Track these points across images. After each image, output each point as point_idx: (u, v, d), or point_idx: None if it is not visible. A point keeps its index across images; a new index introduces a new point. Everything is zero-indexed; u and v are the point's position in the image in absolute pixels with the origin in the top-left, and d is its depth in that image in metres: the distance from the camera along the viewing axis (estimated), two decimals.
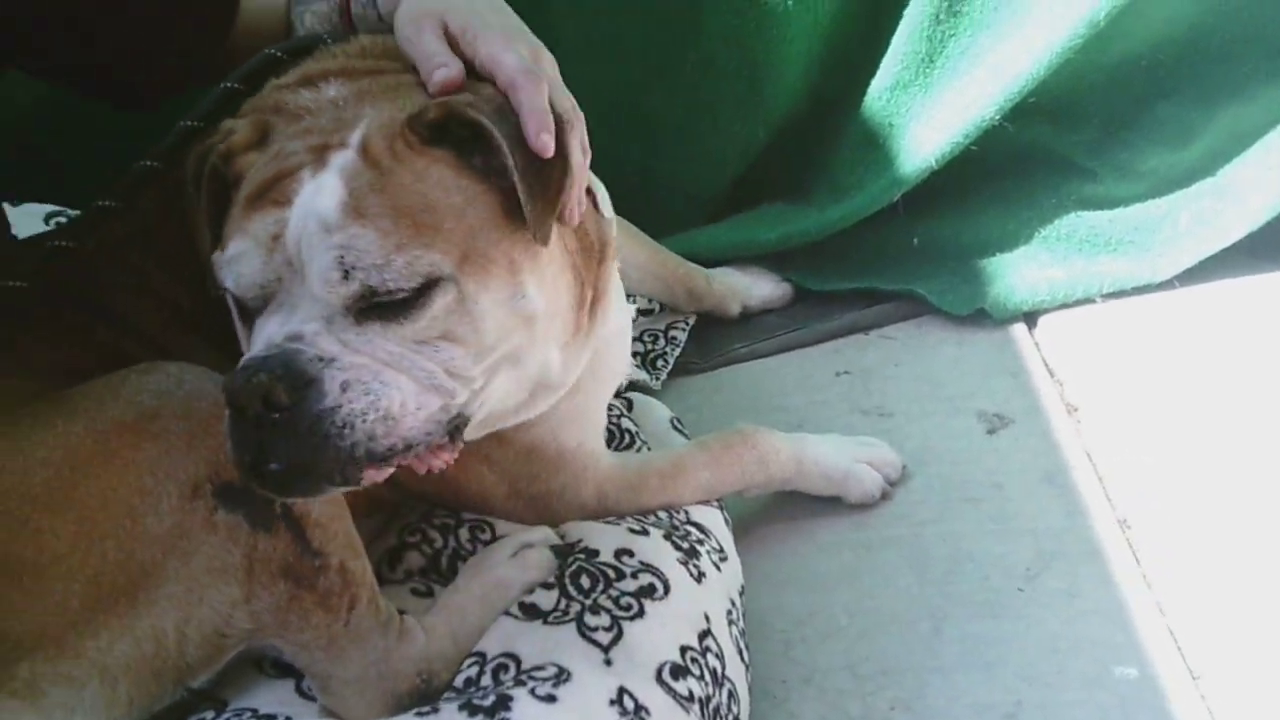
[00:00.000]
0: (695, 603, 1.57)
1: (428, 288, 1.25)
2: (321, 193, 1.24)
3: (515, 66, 1.34)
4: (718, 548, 1.73)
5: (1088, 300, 2.34)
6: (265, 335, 1.24)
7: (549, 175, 1.32)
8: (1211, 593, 1.77)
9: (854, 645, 1.75)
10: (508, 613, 1.49)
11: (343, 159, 1.27)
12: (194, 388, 1.27)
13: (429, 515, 1.69)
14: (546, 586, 1.54)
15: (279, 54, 1.54)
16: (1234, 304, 2.34)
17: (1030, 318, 2.35)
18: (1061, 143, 2.48)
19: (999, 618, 1.75)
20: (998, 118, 2.31)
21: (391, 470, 1.27)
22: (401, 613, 1.43)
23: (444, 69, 1.36)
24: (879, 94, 2.41)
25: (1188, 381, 2.17)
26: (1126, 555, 1.83)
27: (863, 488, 1.94)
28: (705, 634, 1.54)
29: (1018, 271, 2.37)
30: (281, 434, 1.18)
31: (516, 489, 1.68)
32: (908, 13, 2.35)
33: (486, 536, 1.67)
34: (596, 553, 1.60)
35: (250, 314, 1.29)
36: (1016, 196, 2.47)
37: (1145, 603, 1.75)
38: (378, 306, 1.24)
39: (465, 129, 1.30)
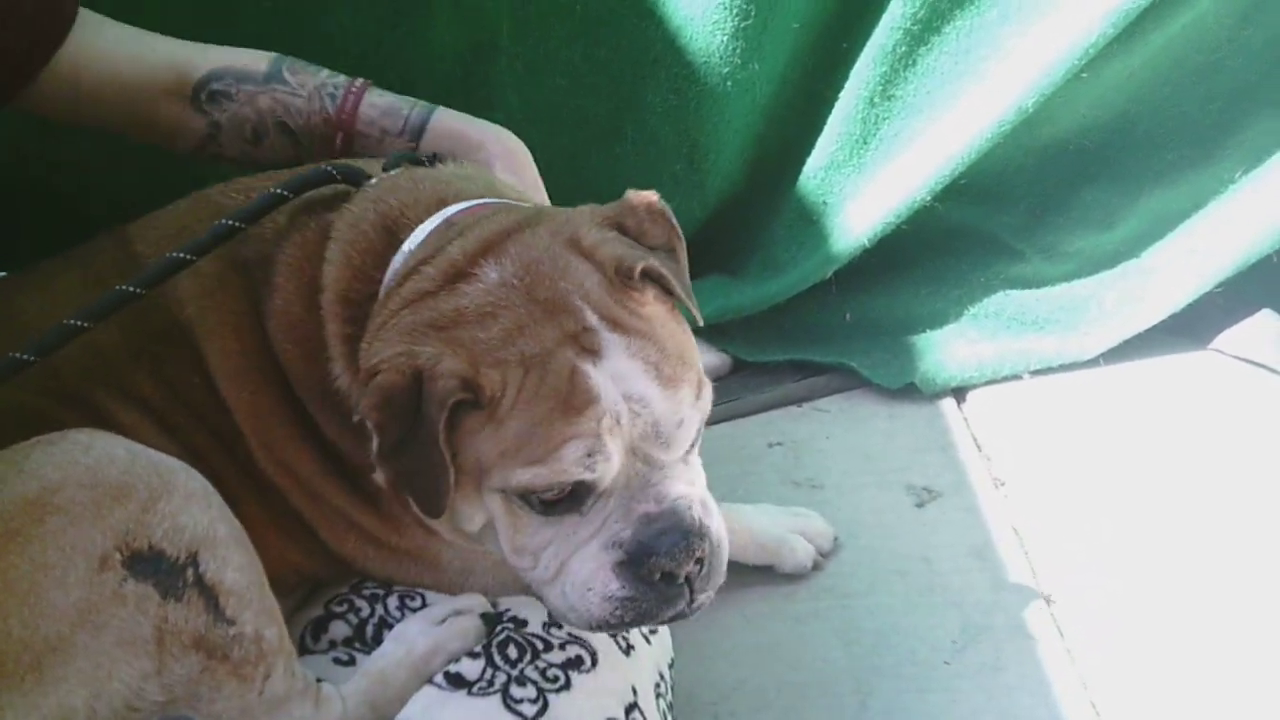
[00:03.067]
0: (623, 675, 1.56)
1: None
2: (631, 379, 1.33)
3: None
4: None
5: (1015, 377, 2.39)
6: (636, 500, 1.36)
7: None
8: (1133, 667, 1.79)
9: (782, 718, 1.75)
10: (431, 681, 1.47)
11: (608, 341, 1.33)
12: (102, 454, 1.24)
13: (359, 585, 1.66)
14: (472, 655, 1.52)
15: (332, 171, 1.54)
16: (1157, 382, 2.40)
17: (960, 393, 2.39)
18: (991, 223, 2.54)
19: (924, 691, 1.77)
20: (929, 198, 2.36)
21: None
22: (320, 681, 1.41)
23: None
24: (814, 173, 2.47)
25: (1112, 457, 2.21)
26: (1051, 629, 1.85)
27: (795, 558, 1.95)
28: (632, 707, 1.52)
29: (947, 347, 2.41)
30: (703, 575, 1.38)
31: (471, 561, 1.65)
32: (843, 95, 2.41)
33: (416, 604, 1.64)
34: (525, 622, 1.59)
35: (548, 503, 1.35)
36: (947, 275, 2.52)
37: (1068, 677, 1.77)
38: None
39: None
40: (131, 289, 1.43)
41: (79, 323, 1.39)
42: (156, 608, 1.23)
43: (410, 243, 1.46)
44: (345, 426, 1.49)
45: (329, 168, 1.55)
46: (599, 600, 1.37)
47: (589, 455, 1.30)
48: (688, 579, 1.36)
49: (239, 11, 2.24)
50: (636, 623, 1.39)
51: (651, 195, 1.48)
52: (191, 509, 1.27)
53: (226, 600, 1.27)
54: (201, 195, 1.64)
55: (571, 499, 1.35)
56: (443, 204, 1.50)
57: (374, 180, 1.56)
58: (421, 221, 1.48)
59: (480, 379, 1.29)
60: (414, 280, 1.40)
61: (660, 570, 1.34)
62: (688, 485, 1.39)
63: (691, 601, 1.38)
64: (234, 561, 1.28)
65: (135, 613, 1.22)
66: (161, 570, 1.23)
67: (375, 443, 1.31)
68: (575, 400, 1.30)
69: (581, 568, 1.38)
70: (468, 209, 1.49)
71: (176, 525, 1.24)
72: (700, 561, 1.36)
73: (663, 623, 1.43)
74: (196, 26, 2.22)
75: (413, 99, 1.83)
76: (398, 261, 1.45)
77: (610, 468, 1.32)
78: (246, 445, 1.52)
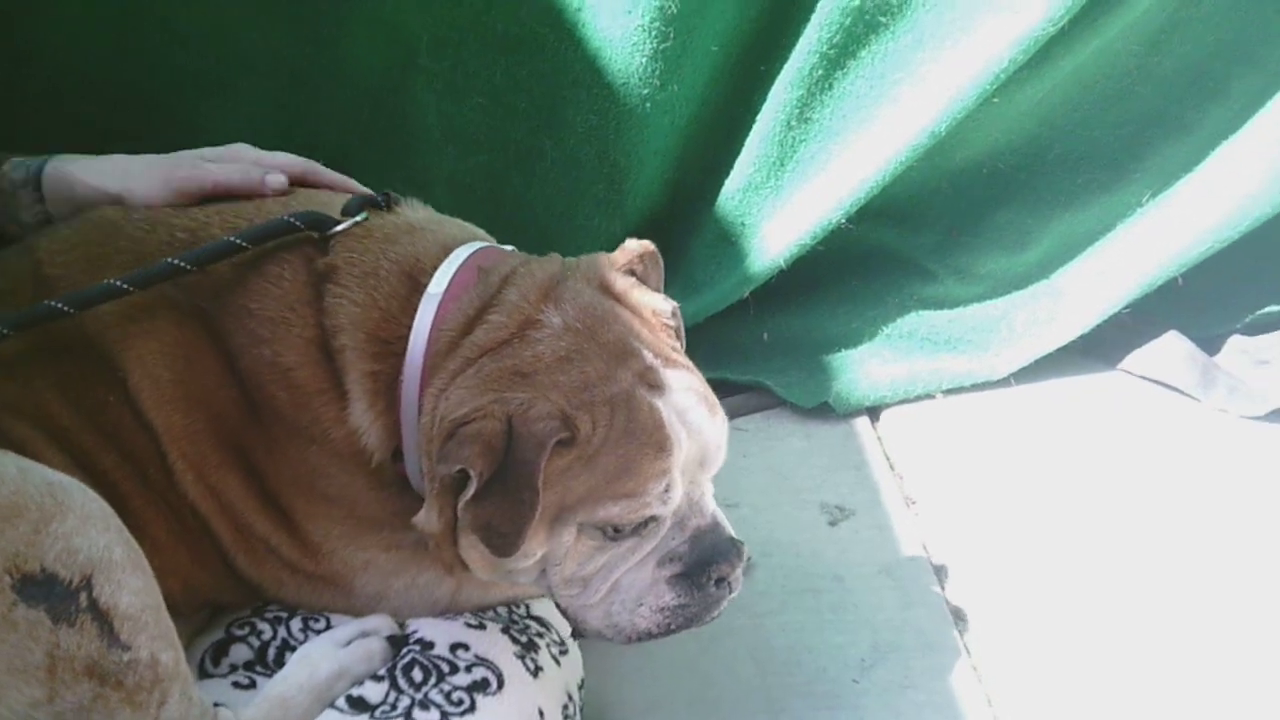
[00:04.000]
0: (530, 698, 1.55)
1: None
2: (689, 411, 1.45)
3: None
4: (558, 640, 1.72)
5: (928, 396, 2.43)
6: (690, 515, 1.49)
7: None
8: (1039, 686, 1.83)
9: None
10: (333, 705, 1.45)
11: (667, 378, 1.44)
12: None
13: (261, 608, 1.64)
14: (376, 679, 1.50)
15: (295, 222, 1.54)
16: (1067, 401, 2.46)
17: (874, 412, 2.43)
18: (905, 245, 2.58)
19: (835, 709, 1.78)
20: (844, 220, 2.39)
21: None
22: (218, 705, 1.39)
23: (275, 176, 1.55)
24: (732, 195, 2.49)
25: (1023, 477, 2.25)
26: (958, 648, 1.88)
27: None
28: None
29: (862, 367, 2.44)
30: (736, 575, 1.52)
31: (385, 585, 1.64)
32: (761, 117, 2.44)
33: (320, 626, 1.62)
34: (432, 645, 1.58)
35: (619, 530, 1.45)
36: (862, 295, 2.56)
37: (975, 694, 1.80)
38: None
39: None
40: (62, 307, 1.44)
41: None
42: (48, 633, 1.19)
43: (435, 286, 1.50)
44: (352, 467, 1.52)
45: (290, 219, 1.55)
46: (649, 613, 1.51)
47: (667, 489, 1.42)
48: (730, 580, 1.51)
49: (151, 34, 2.23)
50: (681, 629, 1.52)
51: (649, 244, 1.60)
52: (87, 530, 1.23)
53: (121, 625, 1.24)
54: (105, 219, 1.61)
55: (640, 525, 1.45)
56: (446, 249, 1.55)
57: (342, 227, 1.57)
58: (436, 266, 1.52)
59: (578, 421, 1.37)
60: (484, 328, 1.46)
61: (717, 577, 1.49)
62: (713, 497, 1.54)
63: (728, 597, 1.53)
64: (130, 585, 1.25)
65: (25, 639, 1.18)
66: (54, 595, 1.19)
67: (473, 488, 1.37)
68: (658, 437, 1.41)
69: (634, 585, 1.50)
70: (477, 253, 1.55)
71: (70, 547, 1.21)
72: (746, 566, 1.53)
73: (704, 624, 1.54)
74: (112, 49, 2.23)
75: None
76: (428, 306, 1.49)
77: (677, 496, 1.44)
78: (165, 467, 1.50)
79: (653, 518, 1.45)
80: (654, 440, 1.41)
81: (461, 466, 1.36)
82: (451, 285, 1.50)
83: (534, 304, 1.47)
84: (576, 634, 1.69)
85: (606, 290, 1.53)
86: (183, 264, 1.50)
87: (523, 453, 1.35)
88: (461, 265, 1.53)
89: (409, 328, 1.49)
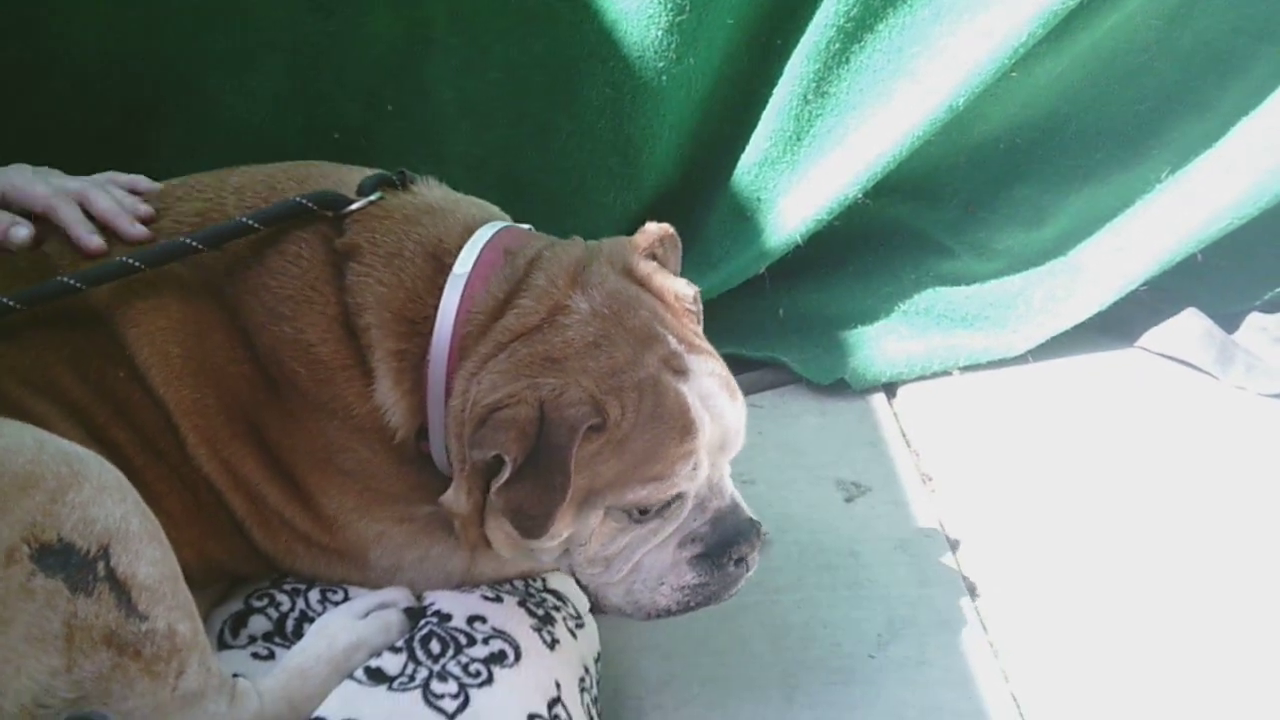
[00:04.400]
0: (547, 670, 1.55)
1: None
2: (712, 396, 1.48)
3: (45, 195, 1.54)
4: (574, 614, 1.72)
5: (945, 373, 2.42)
6: (710, 497, 1.53)
7: None
8: (1056, 661, 1.82)
9: (708, 712, 1.75)
10: (351, 676, 1.45)
11: (690, 363, 1.48)
12: (7, 443, 1.21)
13: (279, 580, 1.65)
14: (394, 650, 1.51)
15: (308, 203, 1.55)
16: (1084, 378, 2.44)
17: (890, 388, 2.42)
18: (921, 220, 2.57)
19: (850, 684, 1.78)
20: (861, 195, 2.39)
21: None
22: (237, 676, 1.39)
23: (18, 226, 1.51)
24: (748, 169, 2.48)
25: (1039, 453, 2.25)
26: (975, 623, 1.88)
27: None
28: (555, 701, 1.52)
29: (877, 344, 2.43)
30: (755, 554, 1.56)
31: (400, 558, 1.65)
32: (777, 92, 2.42)
33: (338, 598, 1.63)
34: (449, 617, 1.58)
35: (644, 512, 1.49)
36: (878, 271, 2.55)
37: (991, 670, 1.80)
38: None
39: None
40: (74, 283, 1.45)
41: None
42: (66, 603, 1.20)
43: (460, 267, 1.52)
44: (374, 442, 1.54)
45: (302, 199, 1.56)
46: (670, 591, 1.55)
47: (695, 467, 1.46)
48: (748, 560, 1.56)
49: (177, 15, 2.23)
50: (700, 606, 1.57)
51: (668, 227, 1.64)
52: (103, 501, 1.24)
53: (139, 595, 1.24)
54: None
55: (664, 506, 1.48)
56: (469, 230, 1.57)
57: (357, 205, 1.57)
58: (460, 247, 1.54)
59: (608, 406, 1.40)
60: (515, 313, 1.49)
61: (737, 556, 1.53)
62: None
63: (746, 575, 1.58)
64: (147, 555, 1.26)
65: (44, 608, 1.19)
66: (71, 564, 1.20)
67: (507, 473, 1.40)
68: (684, 421, 1.44)
69: (655, 565, 1.54)
70: (499, 234, 1.57)
71: (87, 517, 1.22)
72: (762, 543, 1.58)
73: (722, 602, 1.58)
74: (139, 30, 2.22)
75: None
76: (455, 287, 1.51)
77: (703, 475, 1.49)
78: (178, 441, 1.52)
79: (678, 495, 1.48)
80: (680, 424, 1.44)
81: (496, 452, 1.39)
82: (477, 266, 1.52)
83: (563, 289, 1.50)
84: (595, 609, 1.70)
85: (630, 275, 1.56)
86: (194, 243, 1.51)
87: (555, 438, 1.38)
88: (486, 245, 1.54)
89: (435, 308, 1.51)
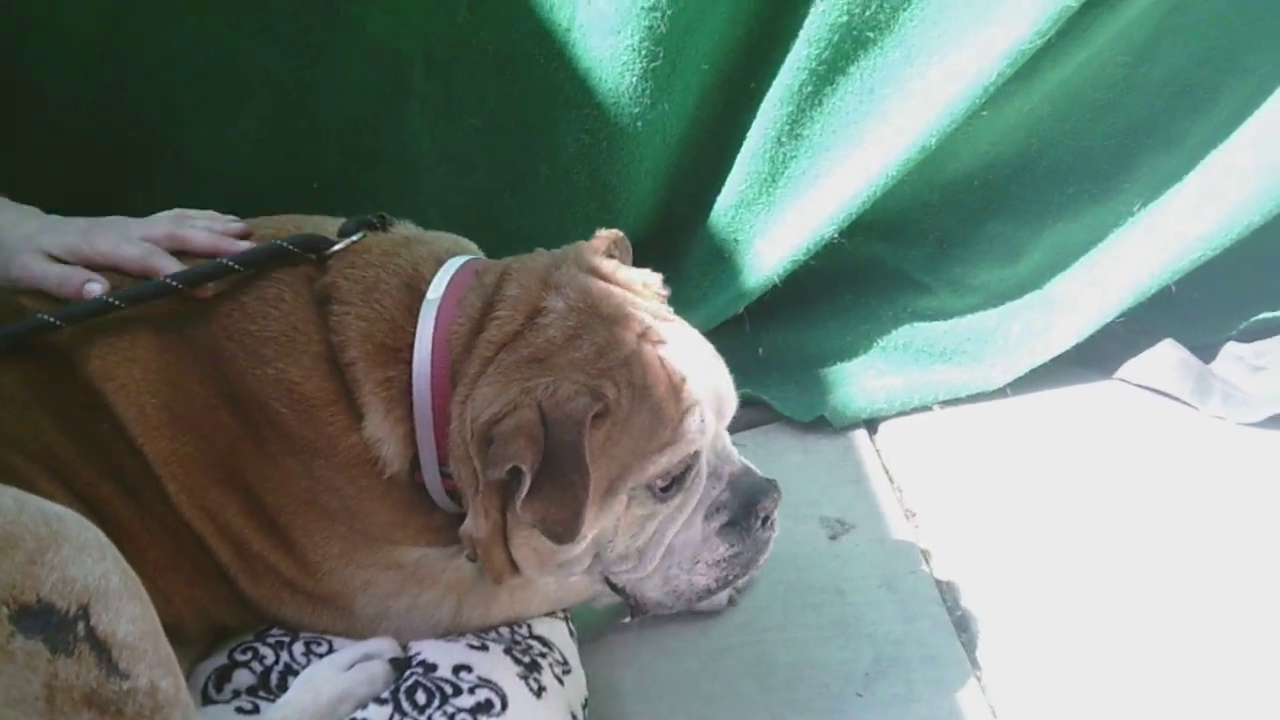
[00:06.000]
0: (534, 718, 1.55)
1: None
2: (694, 358, 1.56)
3: (138, 256, 1.57)
4: (561, 660, 1.72)
5: (925, 408, 2.43)
6: (721, 464, 1.61)
7: None
8: (1043, 695, 1.82)
9: None
10: None
11: (666, 332, 1.55)
12: None
13: (263, 633, 1.65)
14: (380, 701, 1.51)
15: (289, 247, 1.59)
16: (1064, 411, 2.46)
17: (871, 425, 2.43)
18: (897, 258, 2.59)
19: None
20: (837, 235, 2.40)
21: None
22: None
23: (93, 283, 1.53)
24: (725, 211, 2.50)
25: (1021, 486, 2.25)
26: (962, 660, 1.87)
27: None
28: None
29: (857, 380, 2.45)
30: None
31: (386, 606, 1.65)
32: (751, 134, 2.44)
33: (323, 650, 1.63)
34: (435, 666, 1.58)
35: (666, 488, 1.54)
36: (855, 309, 2.56)
37: (979, 705, 1.79)
38: None
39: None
40: (54, 320, 1.48)
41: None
42: (46, 664, 1.19)
43: (433, 292, 1.55)
44: (359, 478, 1.55)
45: (284, 243, 1.59)
46: (706, 568, 1.62)
47: (701, 419, 1.51)
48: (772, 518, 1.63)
49: (151, 51, 2.24)
50: (736, 578, 1.65)
51: (617, 231, 1.72)
52: (82, 559, 1.23)
53: (120, 653, 1.23)
54: None
55: (681, 477, 1.54)
56: (440, 260, 1.61)
57: (339, 245, 1.61)
58: (434, 275, 1.58)
59: (604, 390, 1.44)
60: (495, 324, 1.52)
61: (763, 514, 1.61)
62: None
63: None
64: (127, 613, 1.25)
65: (24, 669, 1.18)
66: (51, 624, 1.19)
67: (527, 483, 1.42)
68: (674, 380, 1.50)
69: (687, 544, 1.60)
70: (471, 261, 1.63)
71: (66, 576, 1.21)
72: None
73: (757, 568, 1.69)
74: (115, 79, 2.23)
75: None
76: (429, 311, 1.54)
77: (710, 428, 1.54)
78: (159, 491, 1.52)
79: (695, 454, 1.53)
80: (671, 384, 1.50)
81: (512, 464, 1.40)
82: (449, 289, 1.56)
83: (536, 293, 1.54)
84: (636, 614, 1.72)
85: (595, 273, 1.62)
86: (175, 283, 1.53)
87: (562, 435, 1.40)
88: (457, 271, 1.59)
89: (414, 334, 1.53)
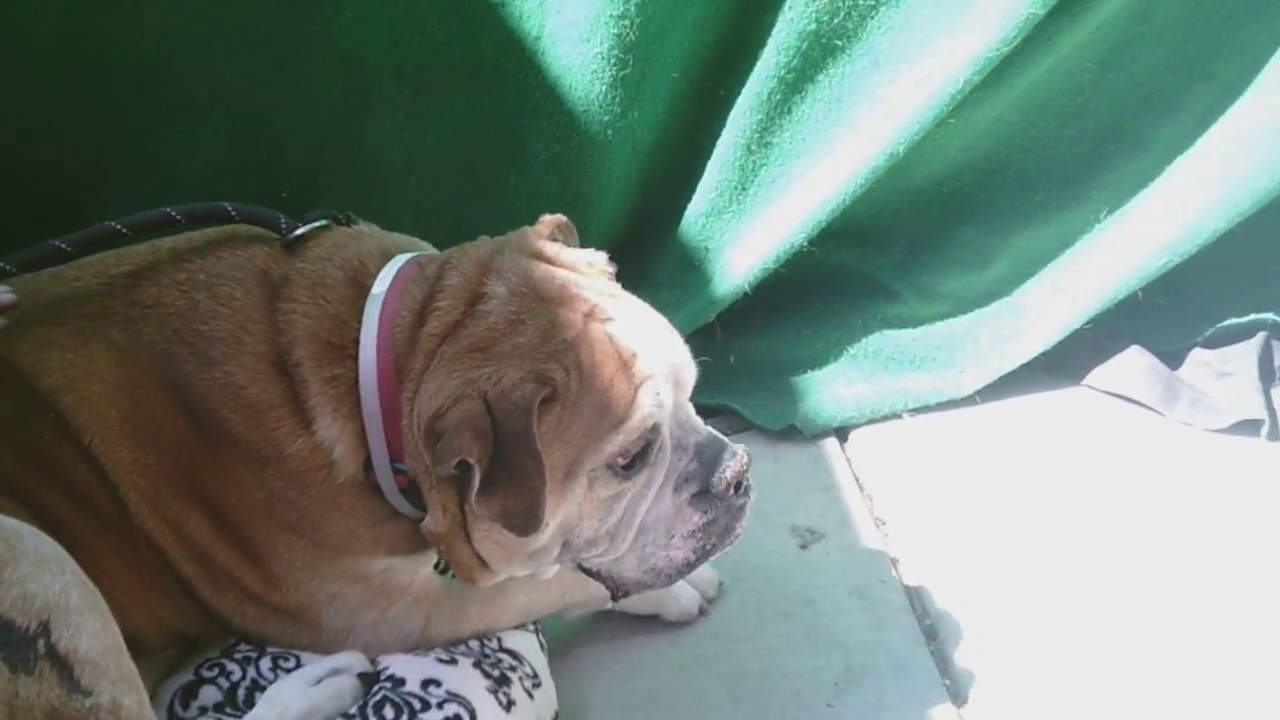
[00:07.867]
0: None
1: None
2: (647, 332, 1.53)
3: None
4: (531, 673, 1.71)
5: (895, 416, 2.43)
6: (686, 435, 1.57)
7: None
8: (1014, 702, 1.82)
9: None
10: None
11: (614, 308, 1.52)
12: None
13: (230, 648, 1.63)
14: (348, 717, 1.50)
15: (228, 209, 1.60)
16: (1033, 417, 2.47)
17: (842, 433, 2.43)
18: (867, 265, 2.60)
19: None
20: (806, 242, 2.41)
21: None
22: None
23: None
24: (695, 220, 2.50)
25: (991, 493, 2.26)
26: (932, 667, 1.88)
27: (680, 605, 1.95)
28: None
29: (828, 388, 2.45)
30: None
31: (353, 620, 1.64)
32: (721, 143, 2.45)
33: (290, 665, 1.61)
34: (403, 681, 1.57)
35: (628, 466, 1.50)
36: (825, 316, 2.57)
37: (948, 714, 1.79)
38: None
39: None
40: (7, 266, 1.48)
41: None
42: (6, 683, 1.17)
43: (378, 287, 1.53)
44: (309, 485, 1.52)
45: (226, 206, 1.60)
46: (682, 540, 1.57)
47: (657, 393, 1.48)
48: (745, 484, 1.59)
49: (120, 75, 2.22)
50: (715, 548, 1.60)
51: (562, 216, 1.69)
52: (41, 575, 1.22)
53: (81, 670, 1.22)
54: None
55: (643, 453, 1.50)
56: (387, 255, 1.59)
57: (300, 231, 1.61)
58: (379, 270, 1.56)
59: (550, 374, 1.41)
60: (436, 316, 1.49)
61: (733, 480, 1.55)
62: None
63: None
64: (88, 628, 1.24)
65: None
66: (11, 642, 1.17)
67: (478, 478, 1.40)
68: (624, 357, 1.47)
69: (660, 519, 1.56)
70: (419, 255, 1.60)
71: (25, 593, 1.19)
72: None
73: (735, 538, 1.62)
74: (80, 92, 2.21)
75: None
76: (374, 306, 1.52)
77: (668, 401, 1.50)
78: (117, 500, 1.50)
79: (654, 427, 1.49)
80: (621, 362, 1.47)
81: (459, 458, 1.38)
82: (394, 283, 1.54)
83: (476, 280, 1.52)
84: (615, 600, 1.71)
85: (538, 256, 1.59)
86: (120, 227, 1.56)
87: (511, 424, 1.38)
88: (403, 265, 1.57)
89: (360, 329, 1.51)
